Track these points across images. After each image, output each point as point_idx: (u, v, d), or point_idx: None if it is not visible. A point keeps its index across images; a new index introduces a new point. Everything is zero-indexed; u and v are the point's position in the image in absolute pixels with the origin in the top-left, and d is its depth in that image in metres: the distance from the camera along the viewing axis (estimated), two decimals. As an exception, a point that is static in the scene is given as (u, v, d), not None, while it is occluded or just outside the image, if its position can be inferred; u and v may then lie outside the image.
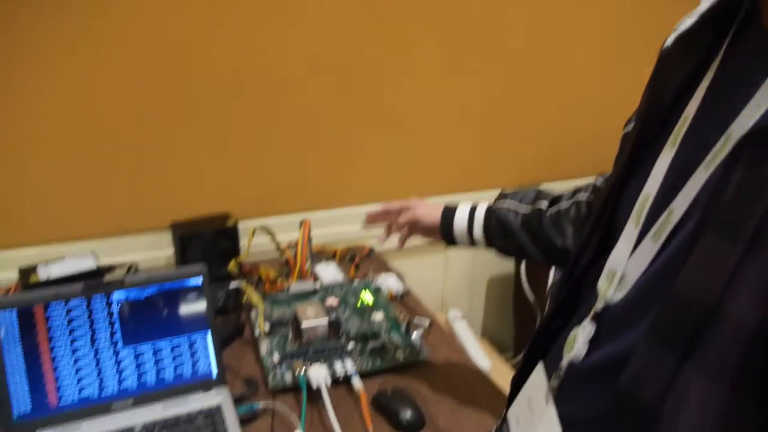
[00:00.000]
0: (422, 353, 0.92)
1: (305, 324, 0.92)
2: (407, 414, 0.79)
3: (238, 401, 0.81)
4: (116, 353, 0.79)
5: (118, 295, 0.79)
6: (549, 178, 1.53)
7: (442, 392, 0.86)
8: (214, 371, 0.83)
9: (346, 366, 0.87)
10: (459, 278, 1.57)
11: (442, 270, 1.54)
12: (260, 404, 0.80)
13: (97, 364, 0.78)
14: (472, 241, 0.84)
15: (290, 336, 0.95)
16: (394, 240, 0.94)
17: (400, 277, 1.18)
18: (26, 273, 0.94)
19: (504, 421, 0.58)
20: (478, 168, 1.47)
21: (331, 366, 0.86)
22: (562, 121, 1.51)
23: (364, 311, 1.03)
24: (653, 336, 0.40)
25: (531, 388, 0.54)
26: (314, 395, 0.81)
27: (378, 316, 1.02)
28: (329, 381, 0.83)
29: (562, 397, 0.49)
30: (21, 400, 0.74)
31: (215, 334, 0.84)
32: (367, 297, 1.08)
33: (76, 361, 0.77)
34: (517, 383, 0.59)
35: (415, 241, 0.93)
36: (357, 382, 0.83)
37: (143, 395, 0.79)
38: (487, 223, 0.81)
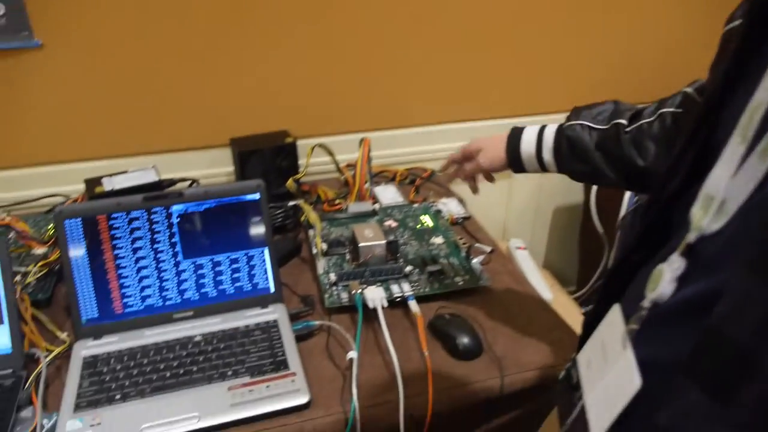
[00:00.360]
0: (482, 279, 0.89)
1: (363, 244, 0.89)
2: (464, 340, 0.77)
3: (294, 318, 0.81)
4: (177, 265, 0.80)
5: (177, 208, 0.79)
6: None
7: (501, 320, 0.82)
8: (272, 287, 0.83)
9: (403, 288, 0.85)
10: (523, 206, 1.51)
11: (505, 197, 1.48)
12: (316, 322, 0.80)
13: (159, 274, 0.79)
14: (541, 166, 0.77)
15: (347, 256, 0.93)
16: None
17: (461, 201, 1.14)
18: (92, 184, 0.96)
19: (573, 364, 0.54)
20: (548, 89, 1.37)
21: (387, 288, 0.85)
22: (637, 38, 1.37)
23: (424, 234, 1.00)
24: (759, 268, 0.34)
25: (605, 331, 0.49)
26: (370, 316, 0.80)
27: (437, 240, 0.99)
28: (385, 302, 0.81)
29: (641, 340, 0.44)
30: (89, 305, 0.77)
31: (272, 251, 0.83)
32: (426, 220, 1.05)
33: (139, 271, 0.78)
34: (590, 325, 0.54)
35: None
36: (414, 305, 0.81)
37: (203, 307, 0.81)
38: (558, 144, 0.74)
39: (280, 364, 0.72)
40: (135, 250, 0.78)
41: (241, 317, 0.80)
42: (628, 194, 1.28)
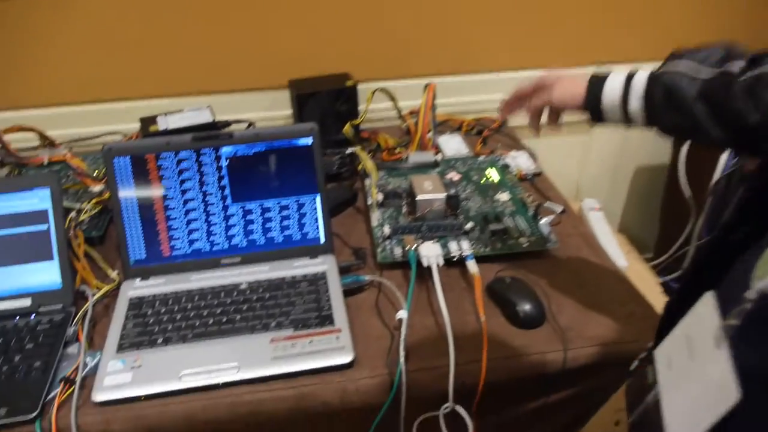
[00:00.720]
0: (549, 242, 0.81)
1: (421, 197, 0.83)
2: (526, 307, 0.70)
3: (344, 271, 0.77)
4: (225, 209, 0.77)
5: (226, 150, 0.75)
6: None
7: (568, 288, 0.75)
8: (322, 237, 0.79)
9: (461, 247, 0.78)
10: (601, 164, 1.39)
11: (581, 153, 1.36)
12: (366, 277, 0.75)
13: (207, 218, 0.76)
14: (625, 117, 0.66)
15: (404, 209, 0.87)
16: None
17: (532, 156, 1.05)
18: (146, 123, 0.93)
19: (648, 357, 0.46)
20: (639, 33, 1.22)
21: (445, 245, 0.78)
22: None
23: (488, 190, 0.93)
24: None
25: (693, 324, 0.41)
26: (424, 274, 0.75)
27: (503, 196, 0.91)
28: (441, 261, 0.75)
29: (742, 340, 0.35)
30: (137, 246, 0.75)
31: (324, 199, 0.79)
32: (492, 174, 0.97)
33: (187, 213, 0.76)
34: (673, 313, 0.46)
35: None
36: (472, 266, 0.75)
37: (250, 254, 0.77)
38: (650, 92, 0.63)
39: (326, 319, 0.68)
40: (183, 192, 0.76)
41: (288, 267, 0.76)
42: (725, 155, 1.13)
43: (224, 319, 0.68)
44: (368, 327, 0.69)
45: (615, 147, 1.36)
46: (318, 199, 0.78)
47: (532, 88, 0.73)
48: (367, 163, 0.90)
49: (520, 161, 1.02)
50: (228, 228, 0.77)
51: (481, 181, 0.95)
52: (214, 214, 0.76)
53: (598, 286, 0.75)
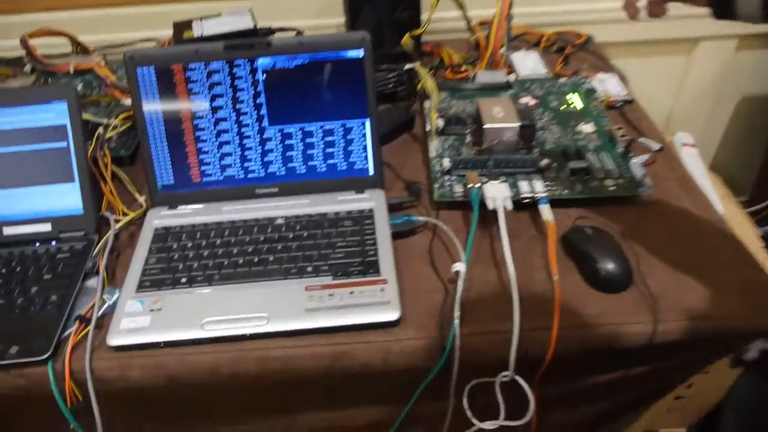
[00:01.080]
0: (643, 186, 0.67)
1: (488, 125, 0.70)
2: (609, 265, 0.58)
3: (394, 209, 0.67)
4: (261, 131, 0.67)
5: (263, 62, 0.64)
6: None
7: (662, 246, 0.62)
8: (371, 169, 0.68)
9: (534, 187, 0.66)
10: (700, 91, 1.19)
11: (679, 76, 1.17)
12: (420, 218, 0.65)
13: (241, 141, 0.67)
14: (764, 8, 0.50)
15: (468, 138, 0.75)
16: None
17: (623, 79, 0.88)
18: (180, 28, 0.83)
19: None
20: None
21: (514, 185, 0.66)
22: None
23: (569, 119, 0.78)
24: None
25: None
26: (488, 218, 0.63)
27: (587, 127, 0.77)
28: (510, 204, 0.63)
29: None
30: (164, 169, 0.67)
31: (375, 124, 0.67)
32: (574, 100, 0.82)
33: (219, 135, 0.67)
34: None
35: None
36: (546, 211, 0.63)
37: (289, 184, 0.68)
38: None
39: (370, 266, 0.59)
40: (214, 110, 0.66)
41: (331, 201, 0.67)
42: None
43: (255, 260, 0.60)
44: (419, 279, 0.60)
45: (719, 71, 1.16)
46: (368, 123, 0.67)
47: None
48: (428, 81, 0.76)
49: (608, 85, 0.86)
50: (264, 153, 0.67)
51: (561, 108, 0.80)
52: (249, 136, 0.67)
53: (700, 245, 0.62)
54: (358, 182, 0.68)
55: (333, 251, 0.60)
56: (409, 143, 0.79)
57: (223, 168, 0.68)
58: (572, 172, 0.69)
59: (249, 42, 0.64)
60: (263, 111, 0.66)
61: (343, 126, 0.67)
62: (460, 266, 0.58)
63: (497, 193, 0.64)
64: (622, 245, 0.61)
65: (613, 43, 1.01)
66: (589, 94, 0.83)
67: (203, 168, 0.67)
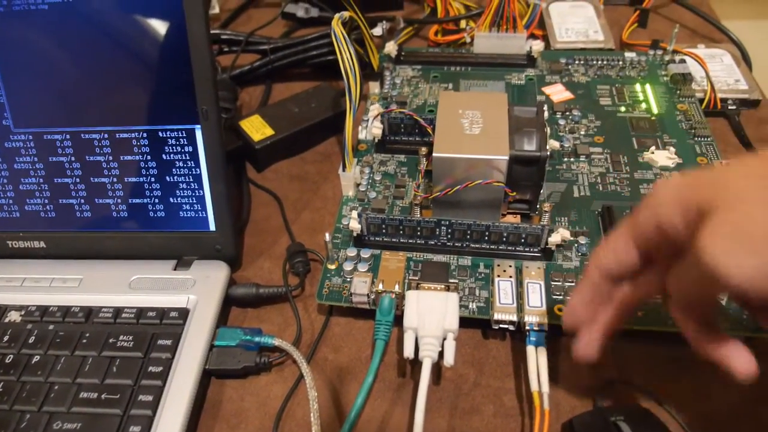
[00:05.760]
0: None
1: (440, 154, 0.35)
2: None
3: (250, 303, 0.34)
4: (3, 137, 0.35)
5: (-9, 0, 0.32)
6: None
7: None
8: (210, 220, 0.35)
9: (528, 298, 0.31)
10: None
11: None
12: (279, 341, 0.32)
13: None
14: None
15: (423, 164, 0.39)
16: None
17: (745, 59, 0.49)
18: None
19: None
20: None
21: (485, 285, 0.32)
22: None
23: (630, 137, 0.41)
24: None
25: None
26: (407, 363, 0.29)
27: (664, 157, 0.39)
28: (451, 354, 0.29)
29: None
30: None
31: (216, 133, 0.34)
32: (649, 97, 0.44)
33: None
34: None
35: None
36: (537, 360, 0.28)
37: (64, 237, 0.36)
38: None
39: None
40: None
41: (120, 282, 0.34)
42: None
43: None
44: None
45: None
46: (199, 134, 0.34)
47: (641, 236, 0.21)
48: (346, 50, 0.40)
49: (716, 69, 0.47)
50: (15, 177, 0.36)
51: (619, 112, 0.43)
52: (-17, 145, 0.35)
53: None
54: (186, 243, 0.35)
55: (68, 407, 0.29)
56: (338, 152, 0.45)
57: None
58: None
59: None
60: (1, 100, 0.34)
61: (150, 135, 0.34)
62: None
63: (433, 320, 0.29)
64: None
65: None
66: (677, 86, 0.45)
67: None
